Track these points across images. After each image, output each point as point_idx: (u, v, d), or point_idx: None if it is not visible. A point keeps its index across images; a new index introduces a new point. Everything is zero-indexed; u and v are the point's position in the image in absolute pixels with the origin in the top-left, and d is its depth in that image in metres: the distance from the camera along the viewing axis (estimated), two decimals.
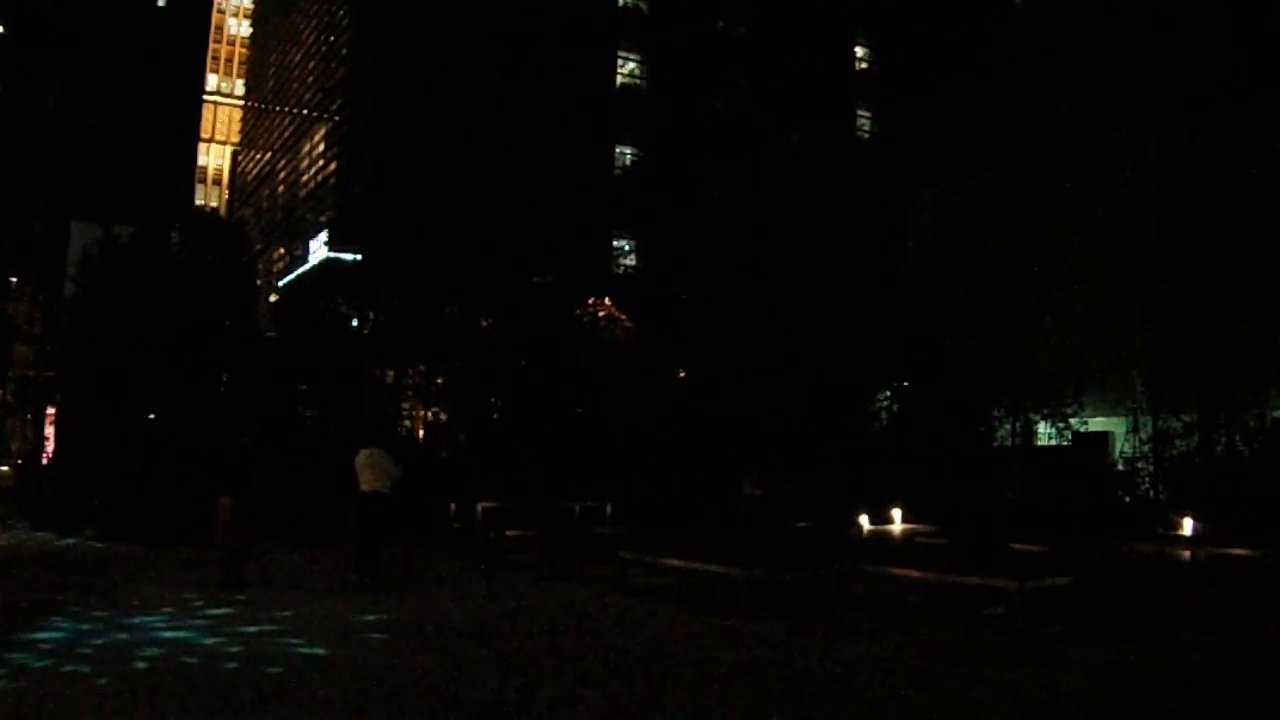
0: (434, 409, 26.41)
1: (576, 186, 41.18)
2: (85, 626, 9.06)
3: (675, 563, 11.42)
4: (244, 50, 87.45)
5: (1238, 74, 25.94)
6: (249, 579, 11.66)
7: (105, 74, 79.02)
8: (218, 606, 10.29)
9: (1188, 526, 16.76)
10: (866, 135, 53.56)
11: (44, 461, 31.02)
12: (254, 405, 21.86)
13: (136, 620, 9.42)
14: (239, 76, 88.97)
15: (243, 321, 24.15)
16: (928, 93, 39.34)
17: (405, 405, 25.38)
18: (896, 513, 21.55)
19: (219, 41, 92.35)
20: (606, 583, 12.11)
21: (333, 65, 53.14)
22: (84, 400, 24.19)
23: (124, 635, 8.72)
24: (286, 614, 9.88)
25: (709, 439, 23.56)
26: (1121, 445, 24.70)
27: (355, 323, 25.27)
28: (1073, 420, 23.09)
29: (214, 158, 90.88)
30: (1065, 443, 22.99)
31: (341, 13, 52.32)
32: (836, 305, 26.34)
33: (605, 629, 9.60)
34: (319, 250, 48.72)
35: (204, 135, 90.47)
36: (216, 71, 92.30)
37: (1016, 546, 11.42)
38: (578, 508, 19.56)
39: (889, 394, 26.32)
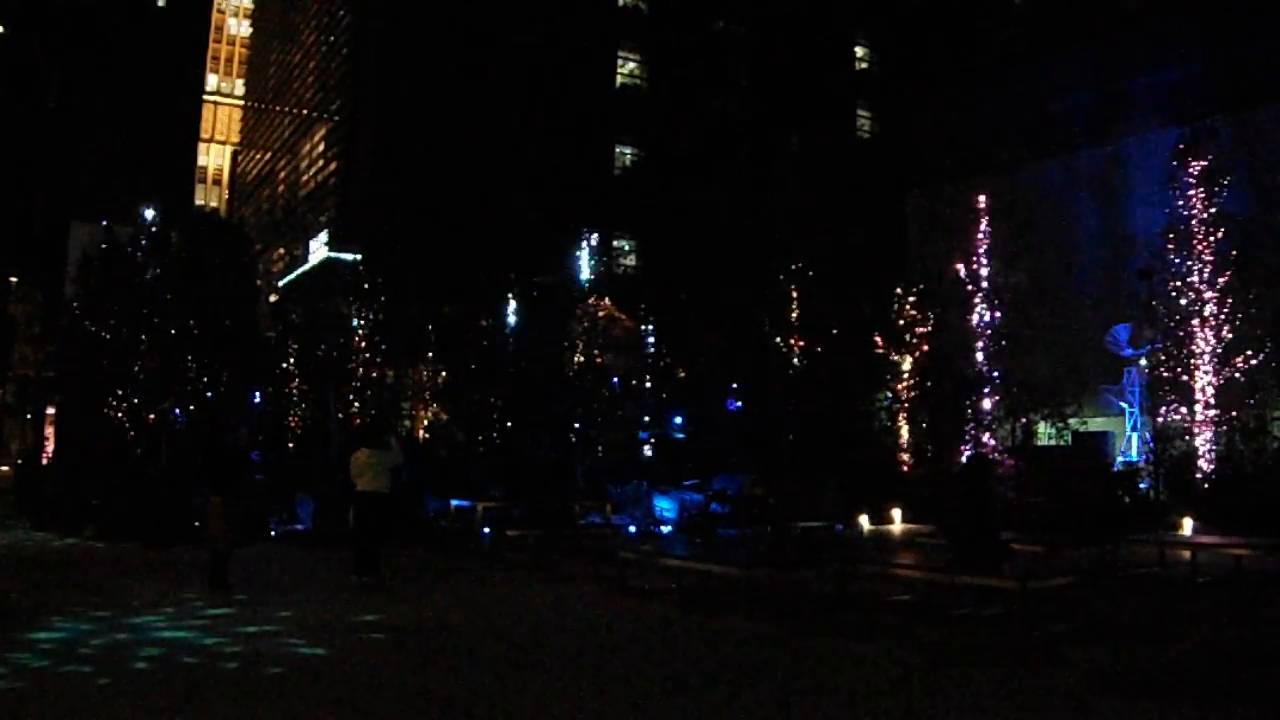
0: (434, 409, 26.45)
1: (576, 186, 41.22)
2: (85, 626, 9.06)
3: (675, 563, 11.40)
4: (244, 50, 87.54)
5: (1240, 73, 25.93)
6: (231, 580, 11.48)
7: (105, 74, 78.97)
8: (218, 607, 10.29)
9: (1188, 526, 16.72)
10: (866, 135, 53.59)
11: (44, 461, 31.05)
12: (252, 405, 21.89)
13: (136, 620, 9.42)
14: (239, 76, 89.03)
15: (243, 321, 24.19)
16: (928, 93, 39.32)
17: (405, 405, 25.41)
18: (896, 513, 21.51)
19: (219, 41, 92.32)
20: (606, 583, 12.10)
21: (333, 65, 53.20)
22: (84, 400, 24.21)
23: (124, 635, 8.73)
24: (286, 614, 9.88)
25: (708, 438, 23.57)
26: (1122, 445, 24.69)
27: (355, 323, 25.31)
28: (1073, 420, 23.05)
29: (214, 158, 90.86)
30: (1065, 443, 22.95)
31: (341, 13, 52.39)
32: (836, 305, 26.31)
33: (605, 629, 9.60)
34: (319, 250, 48.78)
35: (204, 135, 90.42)
36: (216, 71, 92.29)
37: (1016, 546, 11.38)
38: (578, 508, 19.55)
39: (889, 394, 26.30)
